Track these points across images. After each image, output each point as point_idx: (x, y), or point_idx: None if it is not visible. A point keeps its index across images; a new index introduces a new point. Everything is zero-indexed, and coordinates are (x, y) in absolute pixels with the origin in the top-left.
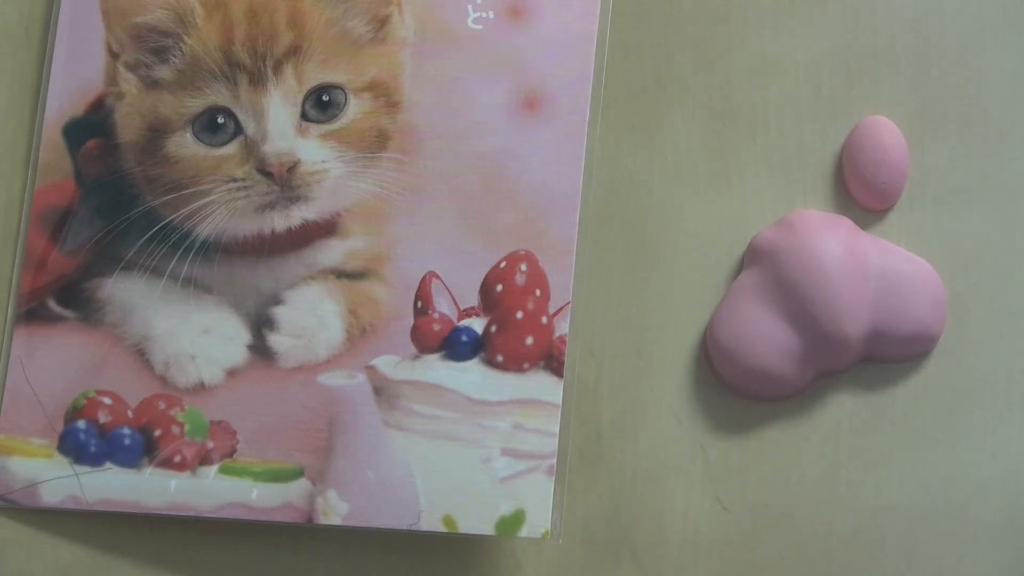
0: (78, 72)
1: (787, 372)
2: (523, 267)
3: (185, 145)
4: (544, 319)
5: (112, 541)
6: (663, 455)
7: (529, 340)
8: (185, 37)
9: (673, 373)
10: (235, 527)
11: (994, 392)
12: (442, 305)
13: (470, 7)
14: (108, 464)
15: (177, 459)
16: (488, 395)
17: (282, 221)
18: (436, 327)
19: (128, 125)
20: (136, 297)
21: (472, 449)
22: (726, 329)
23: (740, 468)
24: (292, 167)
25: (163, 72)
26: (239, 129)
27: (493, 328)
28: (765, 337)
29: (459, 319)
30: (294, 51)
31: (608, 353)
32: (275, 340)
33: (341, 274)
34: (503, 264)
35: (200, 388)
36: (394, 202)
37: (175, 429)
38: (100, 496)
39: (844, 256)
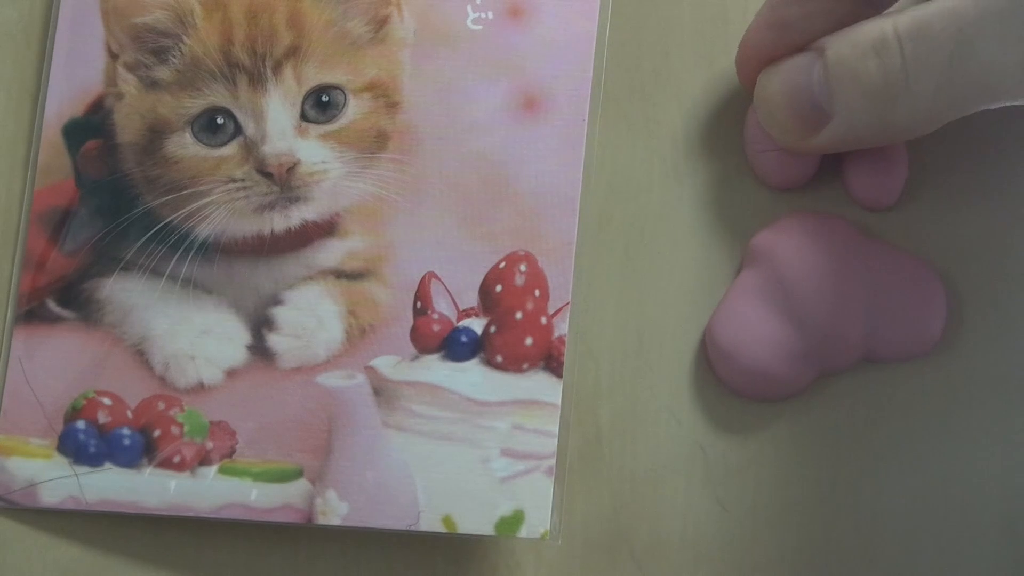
0: (78, 73)
1: (786, 372)
2: (522, 267)
3: (184, 146)
4: (543, 319)
5: (111, 541)
6: (662, 455)
7: (528, 341)
8: (184, 38)
9: (672, 373)
10: (234, 527)
11: (994, 392)
12: (441, 305)
13: (469, 8)
14: (107, 464)
15: (176, 459)
16: (487, 395)
17: (281, 222)
18: (435, 327)
19: (127, 126)
20: (135, 297)
21: (471, 449)
22: (725, 329)
23: (739, 468)
24: (291, 168)
25: (162, 73)
26: (238, 130)
27: (492, 329)
28: (764, 338)
29: (458, 319)
30: (293, 52)
31: (607, 354)
32: (274, 340)
33: (340, 274)
34: (502, 264)
35: (199, 388)
36: (393, 202)
37: (174, 429)
38: (99, 496)
39: (843, 256)
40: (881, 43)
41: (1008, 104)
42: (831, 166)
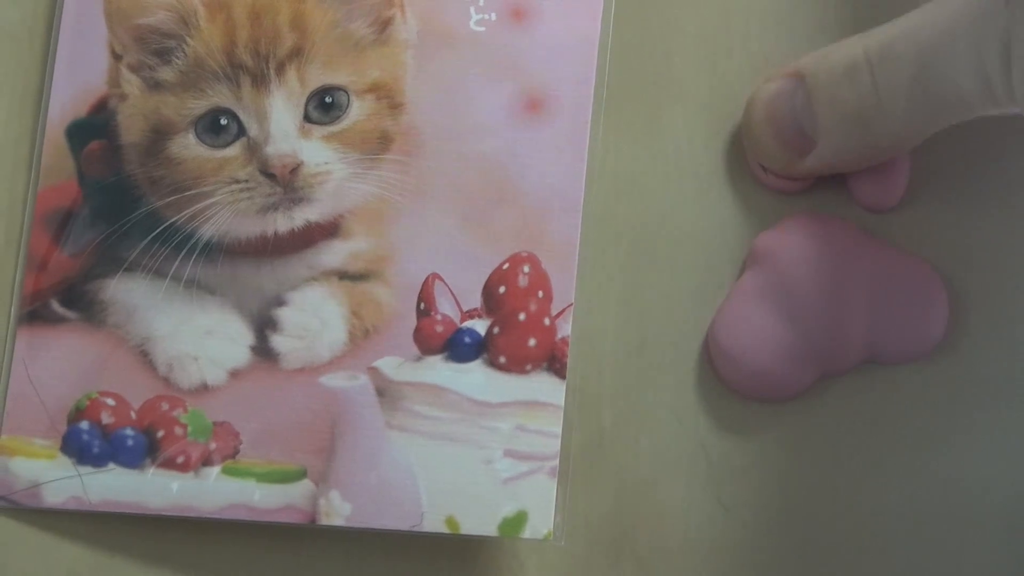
0: (81, 74)
1: (788, 374)
2: (525, 269)
3: (188, 147)
4: (547, 321)
5: (115, 542)
6: (665, 456)
7: (532, 342)
8: (188, 39)
9: (675, 374)
10: (238, 528)
11: (996, 393)
12: (445, 307)
13: (472, 9)
14: (111, 465)
15: (180, 460)
16: (491, 396)
17: (285, 223)
18: (439, 328)
19: (131, 127)
20: (139, 298)
21: (475, 450)
22: (728, 331)
23: (741, 469)
24: (295, 169)
25: (166, 74)
26: (242, 131)
27: (496, 330)
28: (767, 339)
29: (462, 321)
30: (297, 53)
31: (610, 355)
32: (278, 341)
33: (344, 275)
34: (506, 266)
35: (203, 389)
36: (396, 204)
37: (178, 430)
38: (103, 497)
39: (845, 258)
40: (853, 67)
41: (981, 115)
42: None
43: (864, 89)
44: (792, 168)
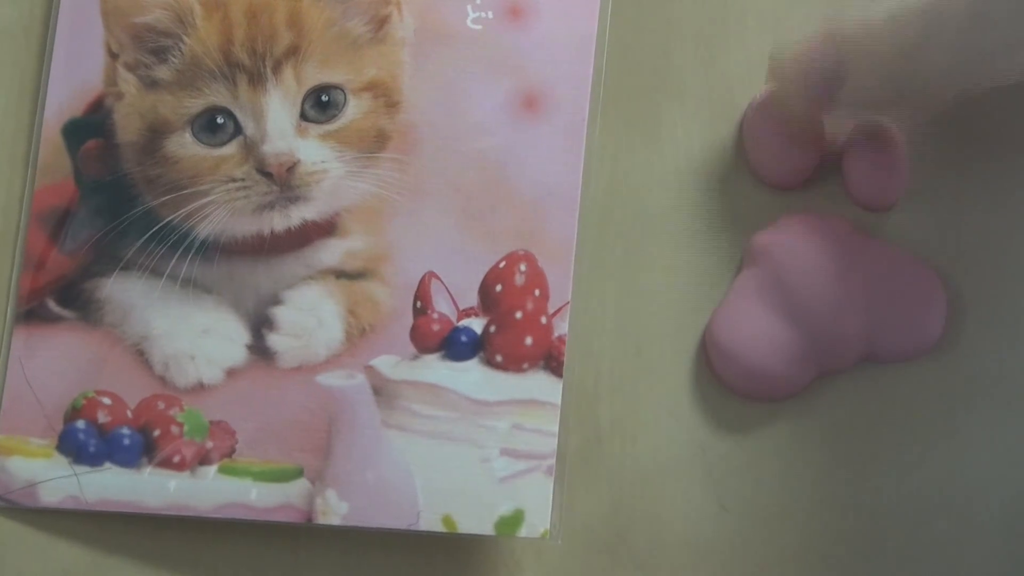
0: (78, 72)
1: (787, 372)
2: (522, 267)
3: (184, 145)
4: (543, 319)
5: (112, 541)
6: (662, 455)
7: (528, 340)
8: (184, 37)
9: (673, 373)
10: (234, 527)
11: (993, 392)
12: (441, 305)
13: (469, 7)
14: (107, 464)
15: (176, 459)
16: (487, 395)
17: (281, 221)
18: (435, 327)
19: (127, 125)
20: (135, 297)
21: (471, 449)
22: (726, 329)
23: (739, 468)
24: (291, 167)
25: (162, 72)
26: (238, 129)
27: (492, 328)
28: (765, 338)
29: (458, 319)
30: (293, 51)
31: (607, 353)
32: (274, 340)
33: (340, 274)
34: (502, 264)
35: (199, 388)
36: (393, 202)
37: (174, 429)
38: (99, 496)
39: (843, 256)
40: (893, 20)
41: (1018, 80)
42: (832, 167)
43: (905, 40)
44: (814, 123)
